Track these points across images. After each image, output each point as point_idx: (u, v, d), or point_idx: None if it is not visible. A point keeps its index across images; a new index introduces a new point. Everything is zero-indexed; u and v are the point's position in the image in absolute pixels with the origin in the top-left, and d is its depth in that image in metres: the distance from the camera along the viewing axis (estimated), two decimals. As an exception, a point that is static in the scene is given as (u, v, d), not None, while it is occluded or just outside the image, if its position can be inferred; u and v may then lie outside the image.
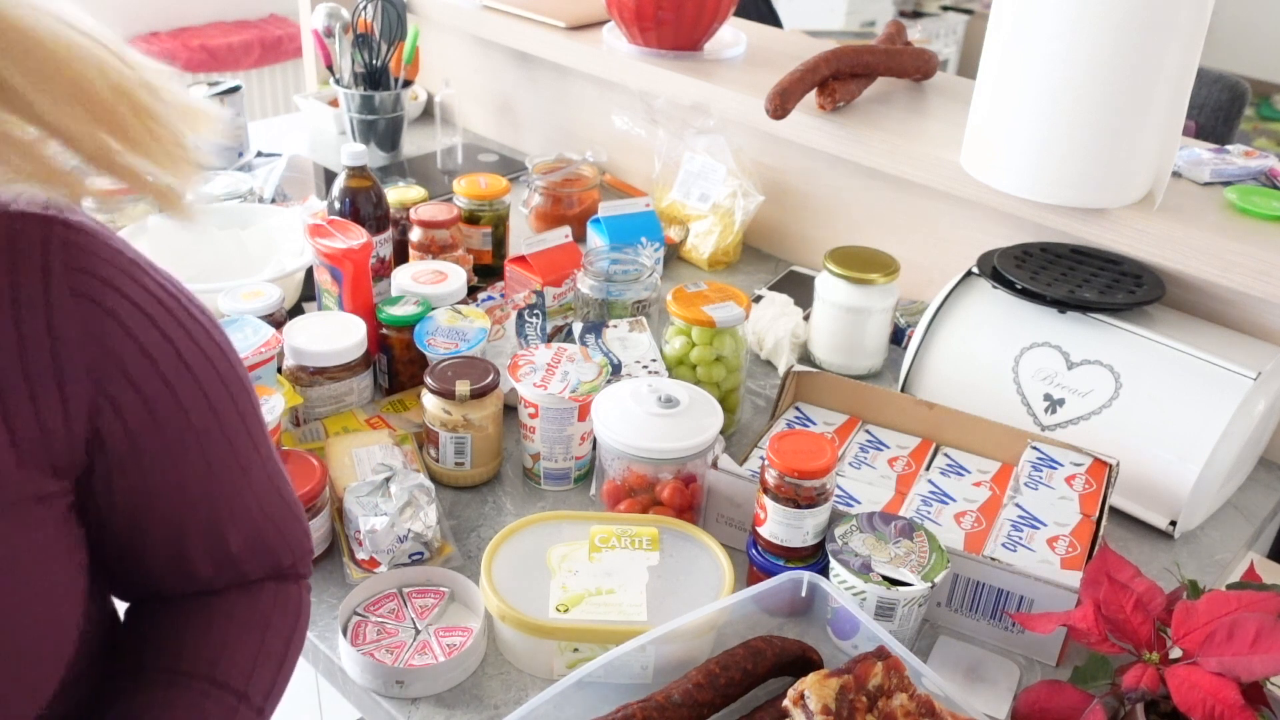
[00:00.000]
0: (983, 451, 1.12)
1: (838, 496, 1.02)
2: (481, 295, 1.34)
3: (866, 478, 1.08)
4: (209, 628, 0.68)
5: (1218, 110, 2.30)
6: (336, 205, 1.32)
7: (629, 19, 1.58)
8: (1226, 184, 1.27)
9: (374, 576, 0.94)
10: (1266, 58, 4.58)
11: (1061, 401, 1.12)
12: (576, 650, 0.87)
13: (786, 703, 0.76)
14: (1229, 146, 1.35)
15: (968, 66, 4.50)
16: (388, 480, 0.98)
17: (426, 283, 1.23)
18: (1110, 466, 1.04)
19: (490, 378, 1.06)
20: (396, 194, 1.43)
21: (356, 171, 1.32)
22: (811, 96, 1.42)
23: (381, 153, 1.83)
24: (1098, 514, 1.00)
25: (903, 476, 1.08)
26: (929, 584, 0.87)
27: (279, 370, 1.11)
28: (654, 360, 1.14)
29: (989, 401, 1.16)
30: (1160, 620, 0.83)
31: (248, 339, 1.07)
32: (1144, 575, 0.86)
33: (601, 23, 1.73)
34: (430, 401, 1.06)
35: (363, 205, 1.31)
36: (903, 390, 1.23)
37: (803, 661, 0.87)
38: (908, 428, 1.15)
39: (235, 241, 1.36)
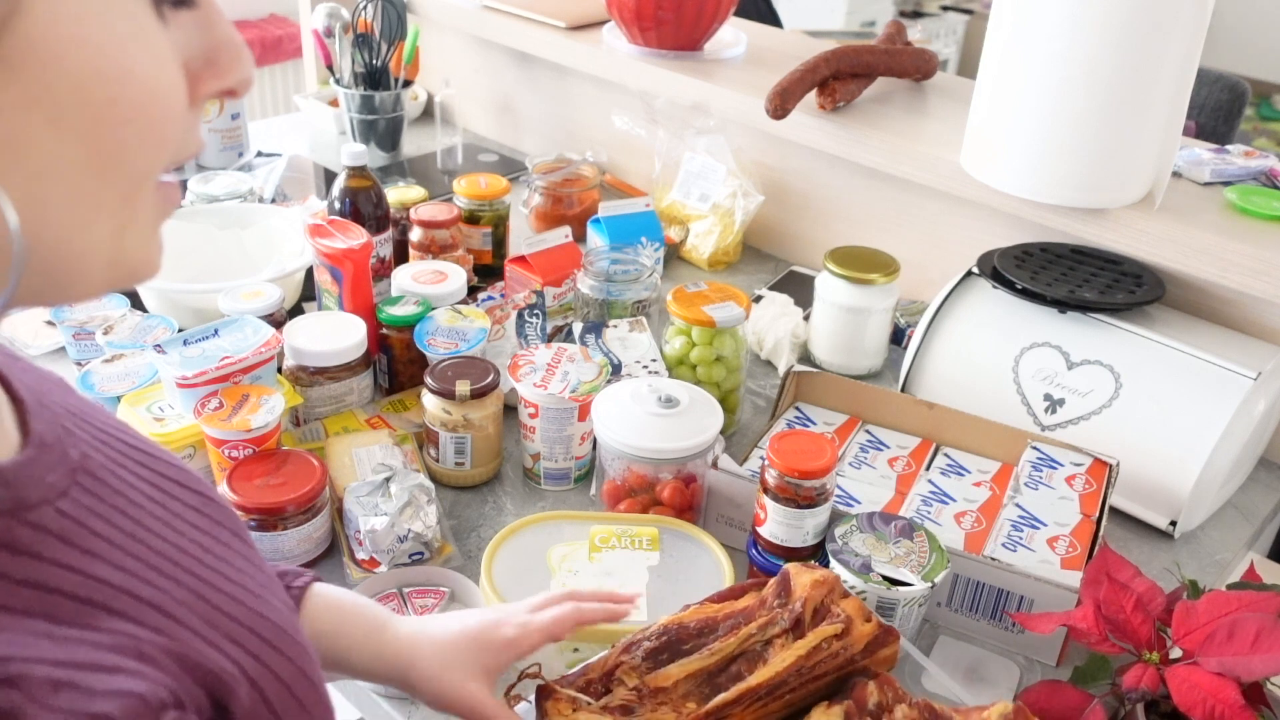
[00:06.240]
0: (983, 451, 1.12)
1: (838, 496, 1.02)
2: (481, 295, 1.34)
3: (866, 478, 1.08)
4: None
5: (1218, 110, 2.30)
6: (336, 205, 1.32)
7: (629, 19, 1.58)
8: (1226, 184, 1.27)
9: (374, 576, 0.94)
10: (1266, 58, 4.58)
11: (1061, 401, 1.12)
12: (577, 650, 0.87)
13: None
14: (1229, 146, 1.35)
15: (968, 66, 4.50)
16: (388, 480, 0.98)
17: (426, 283, 1.23)
18: (1110, 466, 1.04)
19: (490, 378, 1.06)
20: (396, 194, 1.43)
21: (356, 171, 1.32)
22: (811, 96, 1.42)
23: (381, 153, 1.83)
24: (1098, 514, 1.00)
25: (903, 476, 1.08)
26: (929, 584, 0.87)
27: (279, 370, 1.11)
28: (654, 360, 1.14)
29: (989, 401, 1.15)
30: (1160, 620, 0.83)
31: (248, 339, 1.07)
32: (1144, 575, 0.86)
33: (601, 23, 1.73)
34: (430, 401, 1.06)
35: (363, 205, 1.31)
36: (903, 390, 1.23)
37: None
38: (908, 428, 1.15)
39: (235, 241, 1.36)
